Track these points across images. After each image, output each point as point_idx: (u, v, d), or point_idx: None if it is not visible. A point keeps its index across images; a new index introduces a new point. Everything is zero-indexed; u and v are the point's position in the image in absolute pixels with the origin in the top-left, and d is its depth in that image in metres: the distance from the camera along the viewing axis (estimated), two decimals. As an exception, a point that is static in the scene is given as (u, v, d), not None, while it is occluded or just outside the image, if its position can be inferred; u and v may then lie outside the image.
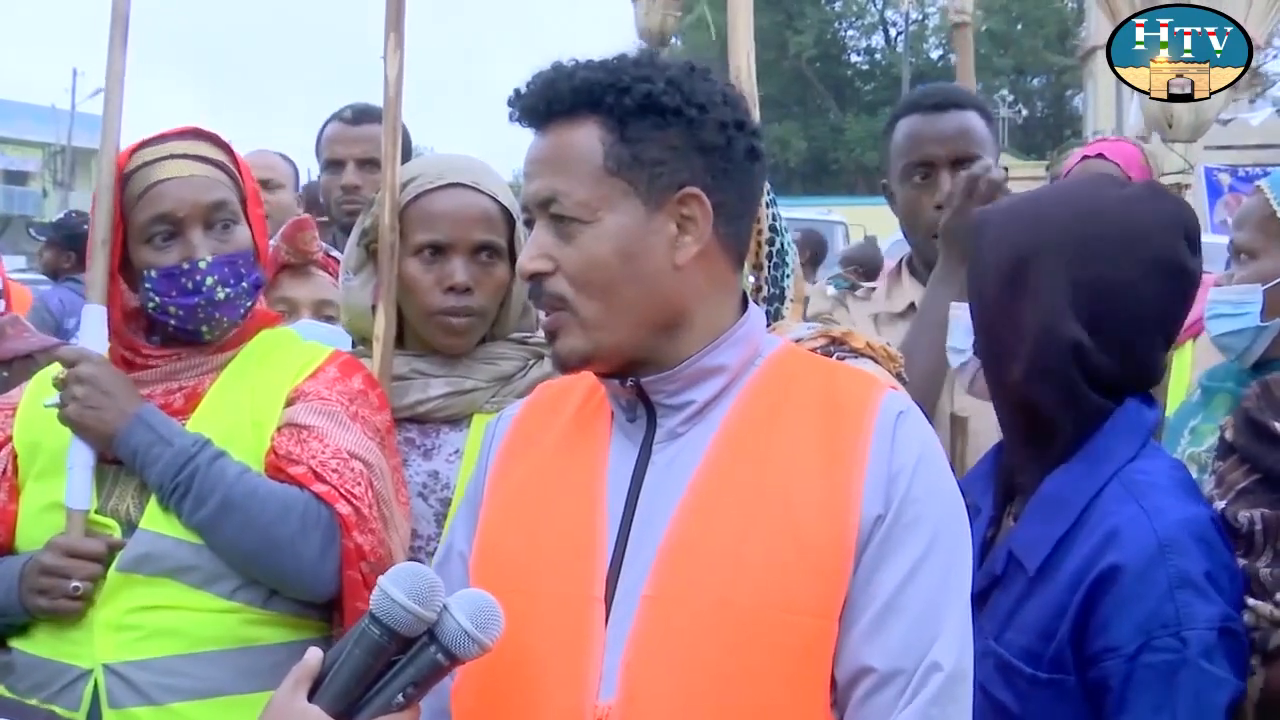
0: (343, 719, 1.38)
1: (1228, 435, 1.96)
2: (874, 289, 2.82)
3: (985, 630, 1.76)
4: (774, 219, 2.21)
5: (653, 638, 1.43)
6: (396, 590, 1.37)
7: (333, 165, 3.61)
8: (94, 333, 2.06)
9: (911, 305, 2.63)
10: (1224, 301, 2.28)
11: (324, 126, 3.70)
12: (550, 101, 1.49)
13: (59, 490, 2.00)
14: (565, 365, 1.53)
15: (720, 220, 1.51)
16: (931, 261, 2.57)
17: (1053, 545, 1.77)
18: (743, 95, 1.60)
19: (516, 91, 1.53)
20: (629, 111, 1.47)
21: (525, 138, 1.54)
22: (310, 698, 1.40)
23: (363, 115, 3.56)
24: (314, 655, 1.42)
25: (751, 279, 2.15)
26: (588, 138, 1.48)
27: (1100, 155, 3.42)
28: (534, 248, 1.50)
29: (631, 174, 1.47)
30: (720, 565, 1.43)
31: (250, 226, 2.13)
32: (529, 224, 1.54)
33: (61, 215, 6.41)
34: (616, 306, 1.48)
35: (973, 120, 2.59)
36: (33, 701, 1.94)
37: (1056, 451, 1.82)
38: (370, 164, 3.44)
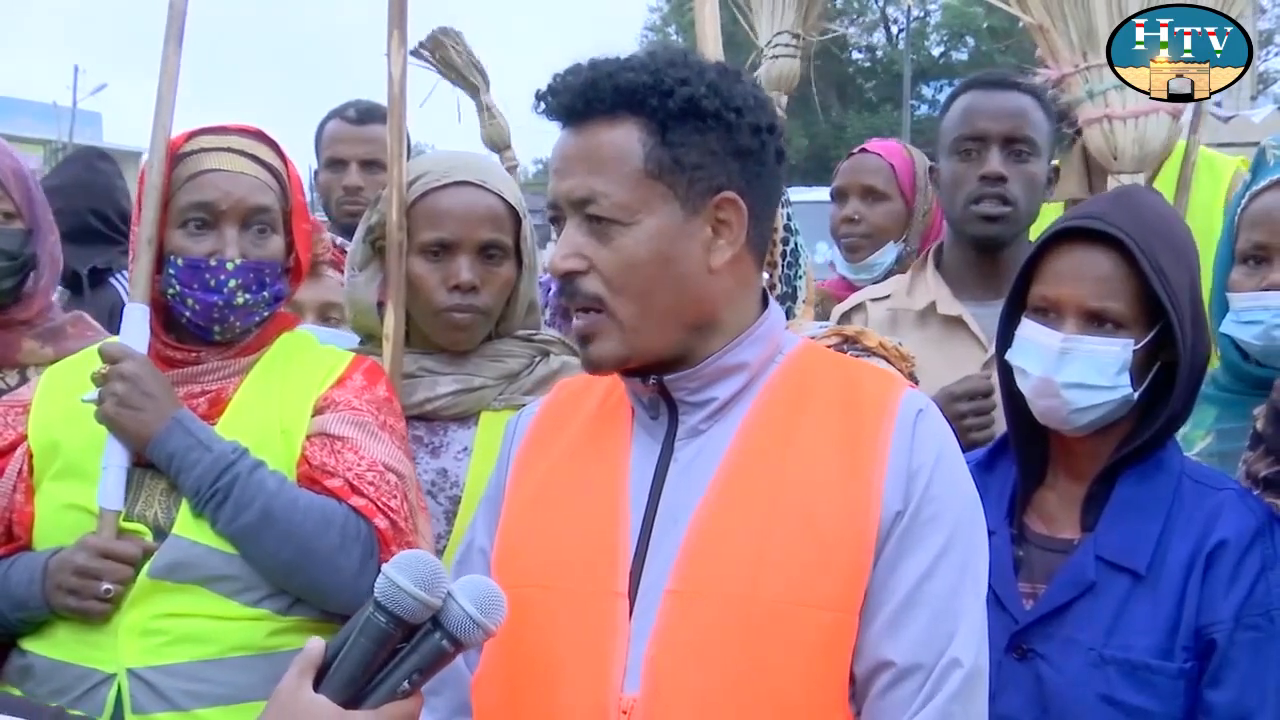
0: (349, 707, 1.36)
1: (1258, 426, 1.99)
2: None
3: (1084, 641, 1.82)
4: (788, 219, 2.23)
5: (676, 632, 1.44)
6: (402, 577, 1.35)
7: (335, 164, 3.55)
8: (136, 331, 2.05)
9: (933, 304, 2.62)
10: (1263, 308, 2.17)
11: (325, 122, 3.63)
12: (590, 100, 1.47)
13: (80, 491, 1.99)
14: (599, 369, 1.52)
15: (750, 223, 1.51)
16: (966, 235, 2.59)
17: (1155, 542, 1.83)
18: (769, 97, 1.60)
19: (550, 87, 1.51)
20: (671, 115, 1.46)
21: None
22: (315, 687, 1.38)
23: (367, 115, 3.50)
24: (316, 644, 1.41)
25: (765, 276, 2.17)
26: (627, 139, 1.46)
27: (864, 150, 3.64)
28: (567, 246, 1.49)
29: (671, 177, 1.46)
30: (742, 560, 1.44)
31: (292, 239, 2.13)
32: (555, 221, 1.53)
33: None
34: (652, 309, 1.48)
35: (1029, 104, 2.59)
36: (51, 704, 1.91)
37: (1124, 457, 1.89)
38: (374, 165, 3.38)
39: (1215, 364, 2.30)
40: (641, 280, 1.47)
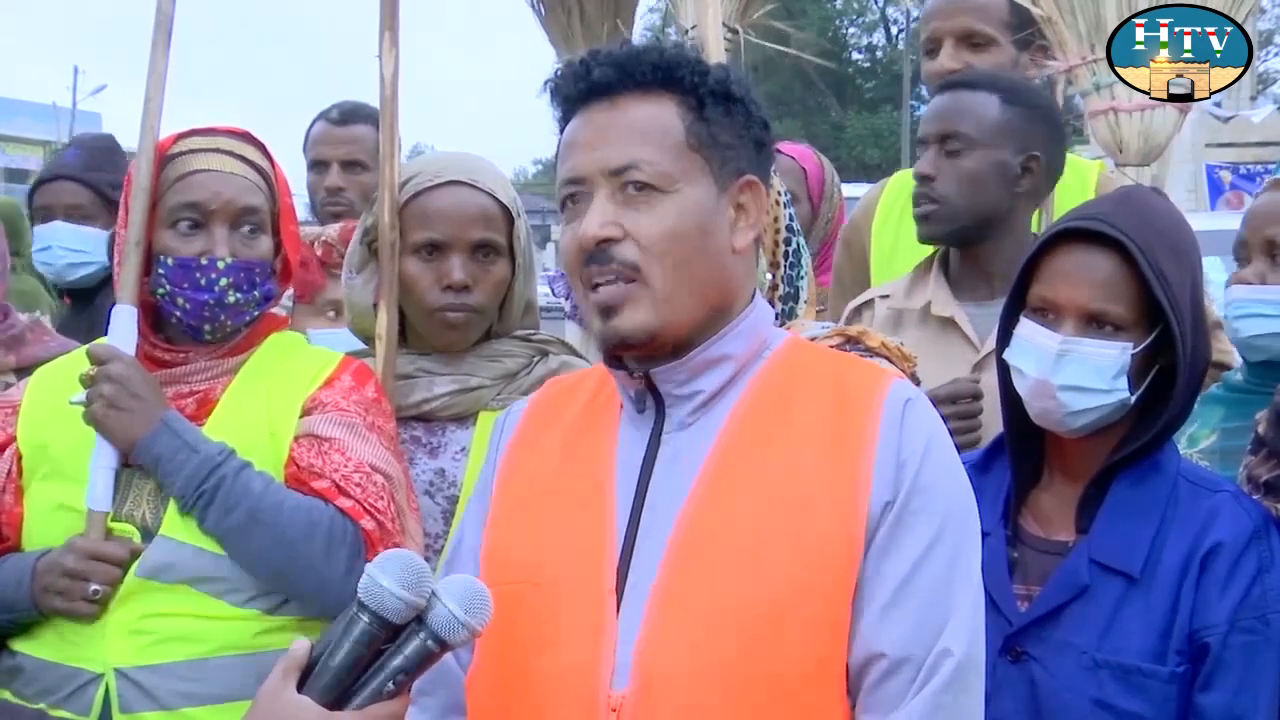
0: (334, 708, 1.37)
1: (1260, 430, 1.98)
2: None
3: (1077, 644, 1.81)
4: (790, 219, 2.22)
5: (664, 628, 1.43)
6: (385, 578, 1.35)
7: (317, 166, 3.53)
8: (123, 332, 2.04)
9: (928, 305, 2.60)
10: (1260, 301, 2.20)
11: (312, 124, 3.60)
12: (628, 72, 1.50)
13: (68, 492, 1.99)
14: (627, 340, 1.49)
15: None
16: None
17: (1149, 545, 1.81)
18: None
19: (583, 62, 1.53)
20: (708, 92, 1.50)
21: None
22: (300, 688, 1.38)
23: (350, 115, 3.49)
24: (301, 645, 1.41)
25: (769, 277, 2.16)
26: (665, 112, 1.50)
27: (777, 150, 3.67)
28: (601, 215, 1.48)
29: (709, 152, 1.50)
30: (730, 554, 1.43)
31: (280, 241, 2.12)
32: (571, 199, 1.53)
33: None
34: (687, 281, 1.48)
35: (973, 100, 2.54)
36: (39, 706, 1.93)
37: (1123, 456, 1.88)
38: (355, 165, 3.39)
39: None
40: (681, 248, 1.47)
